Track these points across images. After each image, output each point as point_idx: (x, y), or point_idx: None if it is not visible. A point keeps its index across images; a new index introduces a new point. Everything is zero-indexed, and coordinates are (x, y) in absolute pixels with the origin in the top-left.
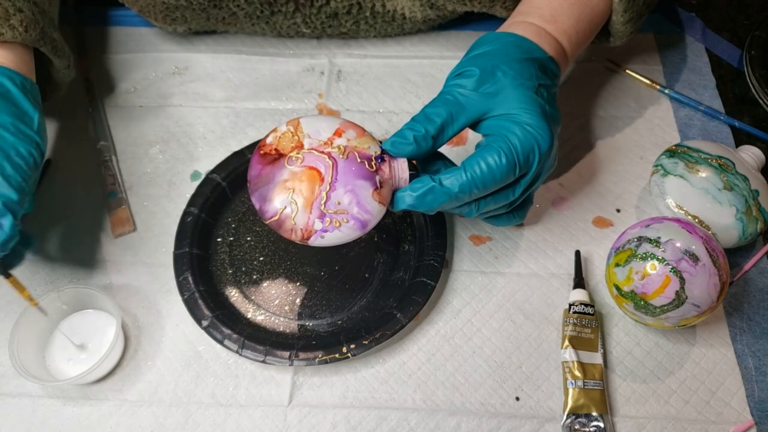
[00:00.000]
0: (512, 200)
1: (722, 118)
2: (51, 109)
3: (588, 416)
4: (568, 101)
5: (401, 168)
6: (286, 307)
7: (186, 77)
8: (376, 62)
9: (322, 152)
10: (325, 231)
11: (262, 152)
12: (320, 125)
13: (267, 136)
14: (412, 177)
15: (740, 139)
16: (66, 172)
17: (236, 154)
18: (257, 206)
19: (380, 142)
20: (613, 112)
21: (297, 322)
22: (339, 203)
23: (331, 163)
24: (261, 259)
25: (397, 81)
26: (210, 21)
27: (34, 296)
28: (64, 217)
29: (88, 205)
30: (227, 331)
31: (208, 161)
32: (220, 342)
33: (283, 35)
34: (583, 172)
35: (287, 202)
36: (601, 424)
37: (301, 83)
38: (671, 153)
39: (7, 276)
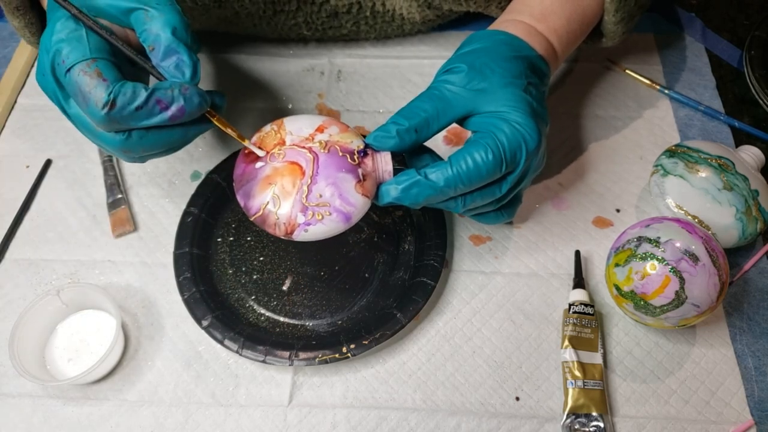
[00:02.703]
0: (499, 197)
1: (722, 118)
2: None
3: (588, 416)
4: (567, 101)
5: (385, 161)
6: (287, 307)
7: None
8: (376, 62)
9: (303, 147)
10: (309, 224)
11: (246, 151)
12: (303, 123)
13: (251, 136)
14: (399, 171)
15: (740, 139)
16: (66, 172)
17: (236, 154)
18: (242, 203)
19: (365, 137)
20: (612, 112)
21: (297, 322)
22: (321, 196)
23: (311, 157)
24: (261, 259)
25: (397, 81)
26: (212, 21)
27: (37, 293)
28: (64, 217)
29: (88, 205)
30: (227, 331)
31: (208, 161)
32: (220, 342)
33: (283, 36)
34: (582, 172)
35: (270, 197)
36: (601, 424)
37: (301, 83)
38: (671, 153)
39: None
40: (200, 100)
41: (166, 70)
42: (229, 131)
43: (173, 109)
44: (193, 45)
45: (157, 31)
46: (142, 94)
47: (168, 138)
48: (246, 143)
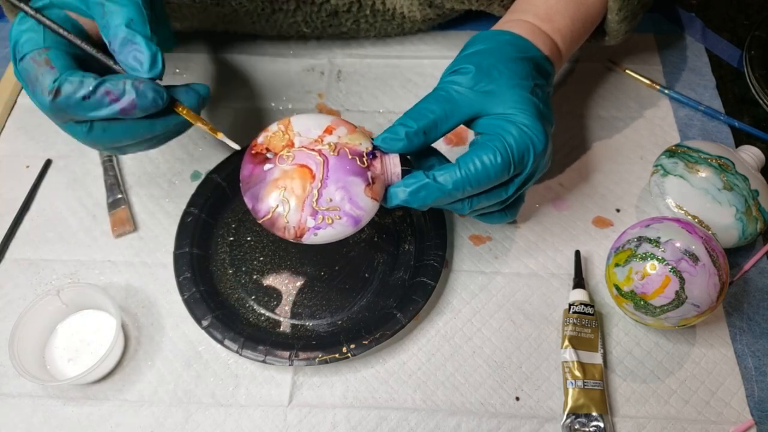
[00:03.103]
0: (505, 198)
1: (722, 118)
2: None
3: (588, 416)
4: (568, 101)
5: (393, 163)
6: (286, 307)
7: (187, 77)
8: (376, 62)
9: (313, 150)
10: (318, 228)
11: (253, 152)
12: (311, 123)
13: (258, 135)
14: (406, 173)
15: (740, 139)
16: (66, 172)
17: (236, 154)
18: (250, 206)
19: (372, 138)
20: (613, 113)
21: (297, 322)
22: (331, 200)
23: (321, 160)
24: (261, 259)
25: (397, 81)
26: (210, 18)
27: (37, 293)
28: (64, 217)
29: (88, 205)
30: (227, 331)
31: (208, 161)
32: (220, 342)
33: (283, 34)
34: (583, 172)
35: (279, 200)
36: (601, 424)
37: (301, 83)
38: (671, 153)
39: (175, 105)
40: (155, 96)
41: (125, 63)
42: (199, 125)
43: (124, 102)
44: (153, 37)
45: (113, 24)
46: (90, 84)
47: (132, 131)
48: (219, 136)
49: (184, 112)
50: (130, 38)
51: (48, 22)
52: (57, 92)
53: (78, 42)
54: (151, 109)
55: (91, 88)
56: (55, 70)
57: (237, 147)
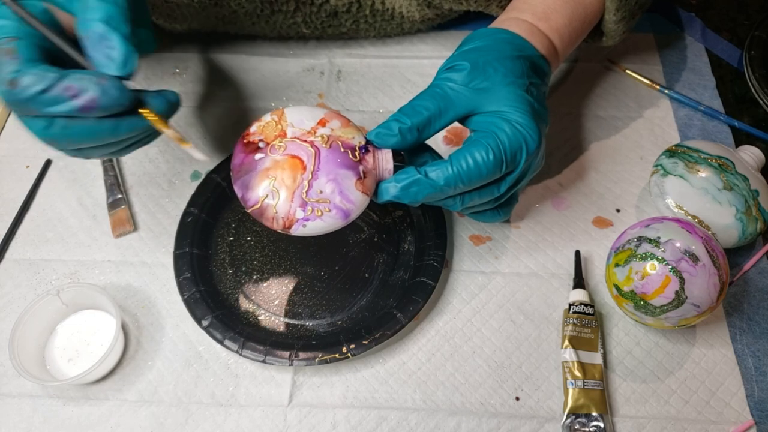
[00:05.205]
0: (497, 196)
1: (722, 118)
2: None
3: (588, 416)
4: (567, 101)
5: (385, 159)
6: (286, 307)
7: (186, 77)
8: (376, 62)
9: (305, 141)
10: (307, 220)
11: (245, 141)
12: (304, 115)
13: (251, 125)
14: (398, 169)
15: (740, 139)
16: (66, 172)
17: None
18: (240, 194)
19: (366, 132)
20: (612, 112)
21: (297, 322)
22: (321, 192)
23: (313, 151)
24: (261, 259)
25: (397, 81)
26: (210, 20)
27: (37, 293)
28: (64, 217)
29: (88, 205)
30: (227, 331)
31: (208, 161)
32: (220, 342)
33: (283, 35)
34: (582, 172)
35: (269, 190)
36: (601, 424)
37: (301, 83)
38: (671, 153)
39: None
40: (119, 95)
41: (95, 59)
42: (166, 132)
43: (84, 98)
44: (130, 36)
45: (90, 18)
46: (50, 78)
47: (94, 132)
48: (188, 147)
49: (151, 116)
50: (105, 34)
51: (19, 11)
52: (13, 83)
53: (48, 33)
54: (114, 108)
55: (50, 82)
56: (17, 61)
57: (204, 158)
